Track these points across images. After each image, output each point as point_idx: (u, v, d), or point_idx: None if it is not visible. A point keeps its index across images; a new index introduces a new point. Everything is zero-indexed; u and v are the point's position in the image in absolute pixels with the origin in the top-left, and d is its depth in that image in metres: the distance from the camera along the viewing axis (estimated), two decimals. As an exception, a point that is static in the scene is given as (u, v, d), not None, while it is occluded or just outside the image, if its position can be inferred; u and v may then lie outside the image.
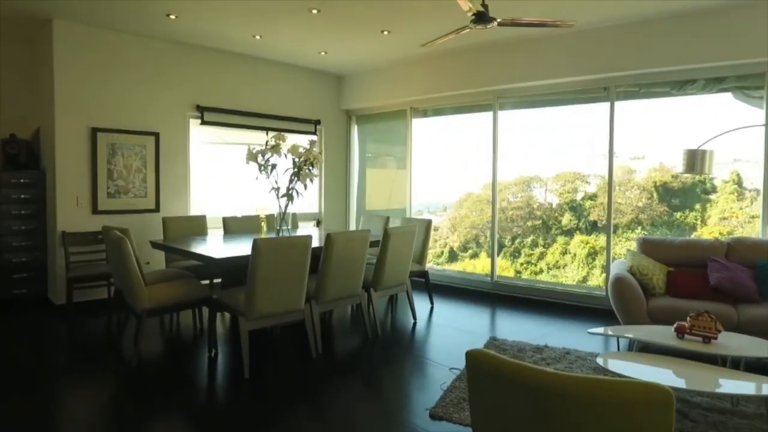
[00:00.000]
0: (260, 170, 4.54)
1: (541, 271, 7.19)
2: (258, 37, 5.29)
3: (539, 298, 5.39)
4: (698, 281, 3.88)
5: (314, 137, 6.81)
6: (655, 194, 7.43)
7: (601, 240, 6.77)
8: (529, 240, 7.03)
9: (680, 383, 2.59)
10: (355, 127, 7.27)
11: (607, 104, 4.99)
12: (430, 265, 6.77)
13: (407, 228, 4.43)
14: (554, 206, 6.97)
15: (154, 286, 3.57)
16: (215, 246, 4.14)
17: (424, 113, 6.51)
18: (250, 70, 6.07)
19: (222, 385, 3.24)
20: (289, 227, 4.64)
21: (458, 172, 6.94)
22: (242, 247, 3.79)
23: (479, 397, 1.49)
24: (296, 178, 4.55)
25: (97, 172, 4.93)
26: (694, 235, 6.82)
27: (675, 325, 3.03)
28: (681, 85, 4.67)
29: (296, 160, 4.57)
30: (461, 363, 3.50)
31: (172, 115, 5.47)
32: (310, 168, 4.56)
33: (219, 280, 4.80)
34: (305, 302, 3.61)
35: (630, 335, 3.13)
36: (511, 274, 7.37)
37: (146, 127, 5.26)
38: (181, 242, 4.25)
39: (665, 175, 7.14)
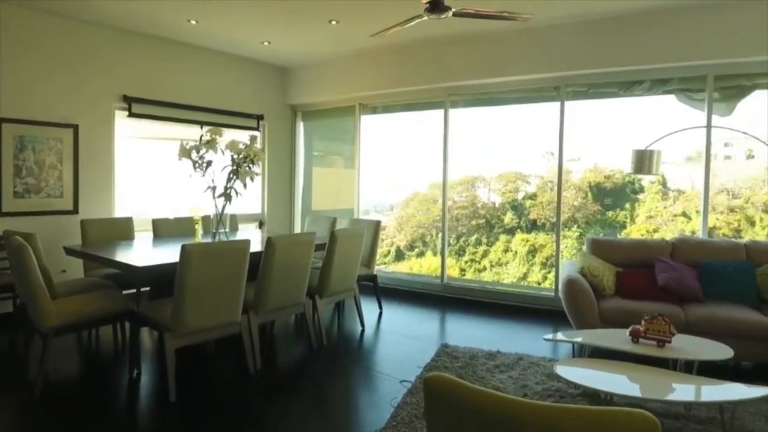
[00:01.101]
0: (194, 168, 4.15)
1: (485, 268, 7.36)
2: (193, 22, 4.86)
3: (489, 300, 5.30)
4: (646, 282, 3.87)
5: (257, 133, 6.41)
6: (589, 194, 7.78)
7: (540, 238, 7.23)
8: (473, 238, 7.20)
9: (635, 390, 2.51)
10: (301, 123, 6.93)
11: (557, 104, 4.95)
12: (378, 267, 6.55)
13: (355, 230, 4.17)
14: (497, 205, 7.17)
15: (65, 300, 3.11)
16: (141, 252, 3.71)
17: (374, 110, 6.28)
18: (185, 59, 5.60)
19: (143, 411, 2.85)
20: (227, 230, 4.26)
21: (407, 171, 6.87)
22: (172, 253, 3.39)
23: (438, 429, 1.26)
24: (235, 177, 4.20)
25: (1, 169, 4.33)
26: (623, 233, 7.17)
27: (630, 329, 2.96)
28: (628, 86, 4.69)
29: (235, 156, 4.22)
30: (412, 374, 3.29)
31: (94, 105, 4.92)
32: (251, 165, 4.21)
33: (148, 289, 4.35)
34: (242, 313, 3.28)
35: (586, 341, 3.03)
36: (456, 272, 7.44)
37: (63, 119, 4.70)
38: (101, 248, 3.77)
39: (599, 175, 7.55)
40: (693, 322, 3.43)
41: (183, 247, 2.83)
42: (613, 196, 7.64)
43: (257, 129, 6.41)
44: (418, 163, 6.61)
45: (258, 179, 6.54)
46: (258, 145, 4.32)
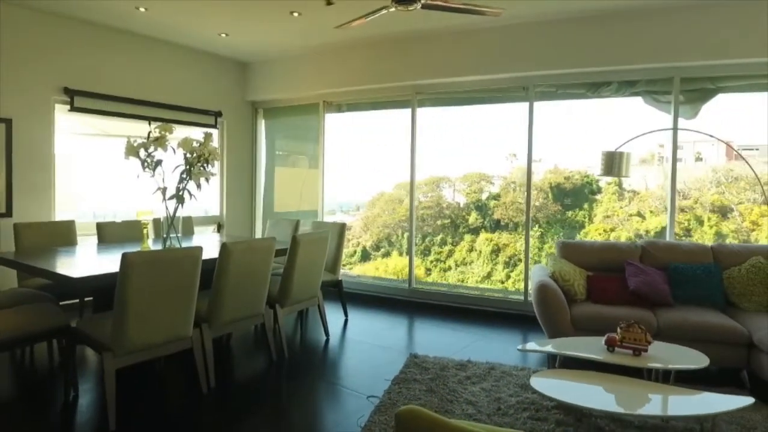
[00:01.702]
0: (143, 167, 3.82)
1: (450, 268, 7.47)
2: (142, 9, 4.49)
3: (457, 305, 5.15)
4: (617, 286, 3.81)
5: (213, 130, 6.07)
6: (550, 194, 7.96)
7: (504, 238, 7.42)
8: (438, 238, 7.27)
9: (611, 404, 2.40)
10: (263, 121, 6.61)
11: (526, 104, 4.86)
12: (343, 270, 6.33)
13: (319, 234, 3.93)
14: (462, 205, 7.26)
15: (-13, 315, 2.74)
16: (82, 260, 3.36)
17: (339, 108, 6.04)
18: (135, 49, 5.21)
19: (79, 442, 2.53)
20: (179, 234, 3.94)
21: (373, 171, 6.73)
22: (116, 261, 3.06)
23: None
24: (188, 177, 3.89)
25: None
26: (582, 233, 7.36)
27: (605, 338, 2.85)
28: (596, 87, 4.65)
29: (188, 155, 3.91)
30: (380, 388, 3.09)
31: (30, 98, 4.49)
32: (205, 165, 3.91)
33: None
34: (194, 327, 2.99)
35: (561, 352, 2.90)
36: (422, 272, 7.44)
37: (-7, 112, 4.26)
38: (36, 255, 3.40)
39: (559, 176, 7.78)
40: (665, 328, 3.37)
41: (124, 256, 2.53)
42: (572, 196, 7.82)
43: (215, 126, 6.06)
44: (384, 162, 6.52)
45: (216, 179, 6.19)
46: (214, 142, 4.01)
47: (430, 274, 7.61)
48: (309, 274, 3.88)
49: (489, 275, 7.41)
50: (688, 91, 4.41)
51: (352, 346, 4.02)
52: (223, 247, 3.09)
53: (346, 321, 4.71)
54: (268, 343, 3.61)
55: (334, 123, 6.12)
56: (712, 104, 4.46)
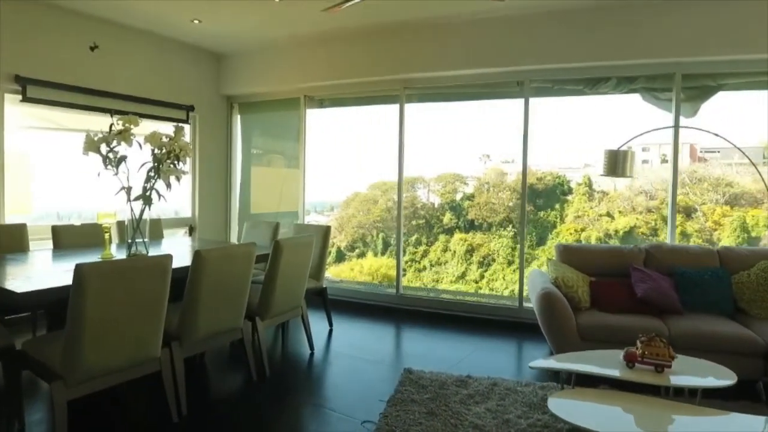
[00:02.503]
0: (105, 164, 3.40)
1: (425, 268, 7.54)
2: (104, -10, 4.06)
3: (447, 312, 4.86)
4: (623, 293, 3.58)
5: (186, 126, 5.64)
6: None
7: (477, 238, 7.54)
8: (413, 238, 7.36)
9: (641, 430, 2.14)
10: (238, 116, 6.20)
11: (520, 101, 4.61)
12: (327, 275, 6.00)
13: (303, 239, 3.58)
14: (436, 206, 7.31)
15: None
16: (31, 270, 2.93)
17: (321, 103, 5.69)
18: (98, 36, 4.74)
19: (21, 489, 2.12)
20: (146, 239, 3.53)
21: (354, 169, 6.47)
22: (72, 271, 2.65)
23: None
24: (156, 176, 3.49)
25: None
26: (554, 233, 7.43)
27: (624, 353, 2.60)
28: (595, 83, 4.44)
29: (157, 152, 3.51)
30: (375, 411, 2.77)
31: (-25, 86, 3.99)
32: (175, 162, 3.52)
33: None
34: (163, 346, 2.61)
35: (577, 368, 2.64)
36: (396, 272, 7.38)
37: (-70, 101, 3.75)
38: (-26, 264, 2.95)
39: (531, 177, 8.31)
40: (677, 338, 3.16)
41: (77, 268, 2.14)
42: (544, 197, 7.95)
43: (187, 121, 5.62)
44: (367, 161, 6.29)
45: (187, 178, 5.76)
46: (186, 137, 3.62)
47: (405, 274, 7.17)
48: (292, 283, 3.53)
49: (463, 275, 7.48)
50: (689, 88, 4.24)
51: (340, 361, 3.69)
52: (197, 256, 2.71)
53: (330, 331, 4.37)
54: (246, 360, 3.24)
55: (316, 119, 5.77)
56: (711, 103, 4.30)
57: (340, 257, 8.04)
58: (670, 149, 4.30)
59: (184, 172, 3.62)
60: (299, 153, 5.71)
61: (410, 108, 5.11)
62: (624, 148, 3.78)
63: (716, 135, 3.94)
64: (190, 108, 5.62)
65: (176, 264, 2.84)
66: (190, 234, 5.75)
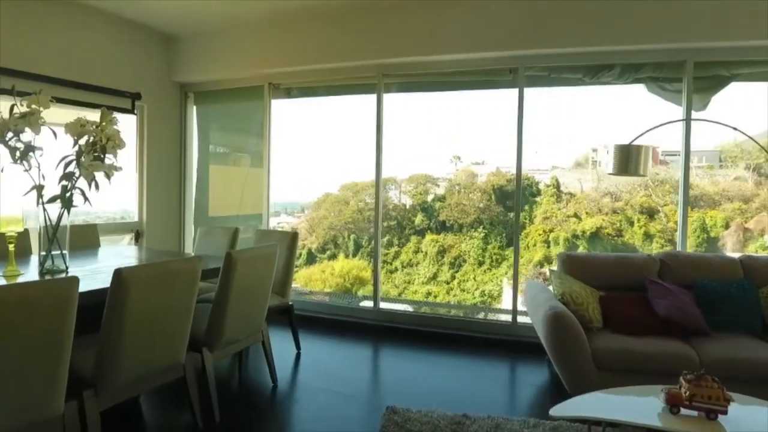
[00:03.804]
0: (14, 158, 2.71)
1: (396, 269, 7.52)
2: (19, -53, 3.32)
3: (431, 329, 4.28)
4: (639, 310, 3.09)
5: (131, 116, 4.90)
6: (492, 196, 8.28)
7: (449, 239, 7.59)
8: (385, 240, 7.25)
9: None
10: (194, 107, 5.49)
11: (512, 91, 4.10)
12: (296, 285, 5.35)
13: (263, 250, 2.94)
14: (408, 207, 7.33)
15: None
16: None
17: (288, 93, 5.04)
18: (19, 5, 3.97)
19: None
20: (65, 251, 2.83)
21: (326, 168, 5.95)
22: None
23: None
24: (78, 172, 2.81)
25: None
26: (523, 234, 7.39)
27: (665, 394, 2.08)
28: (596, 71, 3.95)
29: (81, 143, 2.84)
30: (353, 473, 2.16)
31: None
32: (102, 155, 2.84)
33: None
34: (70, 398, 1.94)
35: (607, 416, 2.09)
36: (368, 273, 7.54)
37: None
38: None
39: (501, 178, 8.20)
40: (710, 367, 2.66)
41: None
42: (513, 198, 8.19)
43: (132, 111, 4.88)
44: (335, 159, 5.80)
45: (130, 177, 5.03)
46: (117, 127, 2.94)
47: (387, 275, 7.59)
48: (250, 304, 2.89)
49: (435, 276, 7.53)
50: (699, 78, 3.80)
51: (309, 397, 3.05)
52: (117, 277, 2.04)
53: (298, 355, 3.74)
54: (190, 402, 2.58)
55: (282, 110, 5.12)
56: (724, 94, 3.89)
57: (311, 259, 7.92)
58: (684, 148, 3.83)
59: (116, 169, 2.94)
60: (263, 149, 5.04)
61: (389, 99, 4.53)
62: (629, 145, 3.31)
63: (735, 129, 3.51)
64: (136, 96, 4.88)
65: (96, 285, 2.20)
66: (137, 241, 5.00)
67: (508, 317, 4.29)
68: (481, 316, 4.61)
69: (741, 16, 3.41)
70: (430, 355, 3.86)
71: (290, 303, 3.72)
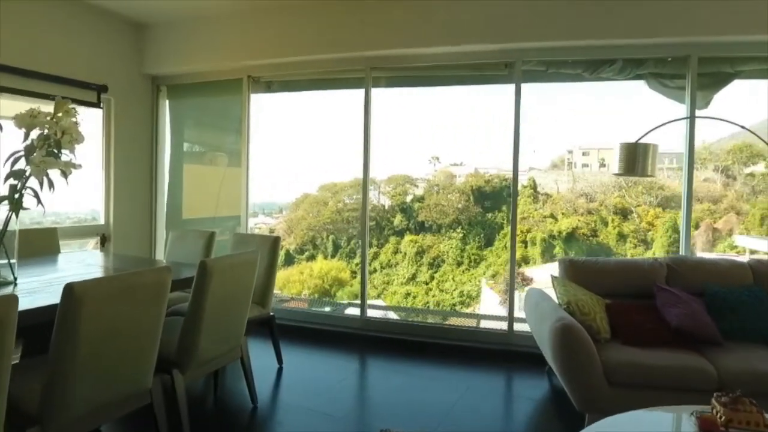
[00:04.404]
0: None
1: (375, 270, 7.51)
2: None
3: (421, 339, 4.02)
4: (648, 319, 2.89)
5: (97, 110, 4.53)
6: (471, 197, 8.38)
7: (428, 239, 7.69)
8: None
9: None
10: (167, 102, 5.12)
11: (508, 87, 3.87)
12: (276, 291, 5.04)
13: (242, 257, 2.64)
14: (386, 208, 7.37)
15: None
16: None
17: (268, 86, 4.72)
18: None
19: None
20: (14, 259, 2.48)
21: (307, 167, 5.73)
22: None
23: None
24: (29, 170, 2.47)
25: None
26: (501, 234, 7.44)
27: (698, 419, 1.86)
28: (596, 66, 3.76)
29: (33, 138, 2.52)
30: None
31: None
32: (57, 151, 2.51)
33: None
34: (7, 439, 1.62)
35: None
36: (347, 275, 7.60)
37: None
38: None
39: (479, 179, 8.30)
40: (728, 380, 2.48)
41: None
42: (491, 199, 8.13)
43: (98, 105, 4.50)
44: (317, 158, 5.61)
45: (94, 175, 4.65)
46: (76, 119, 2.61)
47: (355, 277, 7.34)
48: (227, 318, 2.58)
49: (414, 277, 7.60)
50: (702, 75, 3.64)
51: (293, 419, 2.76)
52: (67, 293, 1.73)
53: (280, 370, 3.44)
54: (159, 431, 2.26)
55: (262, 106, 4.80)
56: (726, 92, 3.74)
57: (289, 260, 7.86)
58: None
59: (74, 166, 2.61)
60: (242, 147, 4.72)
61: (376, 94, 4.26)
62: (637, 142, 3.12)
63: (743, 127, 3.36)
64: (102, 88, 4.50)
65: (46, 300, 1.89)
66: (103, 246, 4.61)
67: (502, 325, 4.07)
68: (473, 323, 4.34)
69: (749, 9, 3.25)
70: (422, 368, 3.61)
71: (271, 314, 3.41)
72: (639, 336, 2.78)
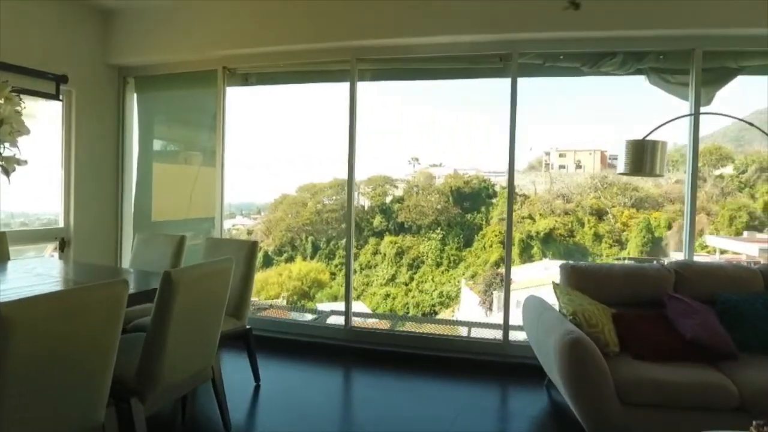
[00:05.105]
0: None
1: (355, 271, 7.00)
2: None
3: (410, 351, 3.74)
4: (659, 330, 2.68)
5: (56, 103, 4.14)
6: (450, 198, 8.50)
7: (407, 240, 7.73)
8: (343, 242, 6.82)
9: None
10: (134, 95, 4.74)
11: (504, 81, 3.64)
12: (253, 299, 4.71)
13: (214, 267, 2.32)
14: (366, 208, 7.42)
15: None
16: None
17: (245, 79, 4.40)
18: None
19: None
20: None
21: (287, 166, 5.41)
22: None
23: None
24: (-39, 165, 2.12)
25: None
26: (480, 234, 7.45)
27: (739, 453, 1.64)
28: (597, 59, 3.56)
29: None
30: None
31: None
32: (-4, 143, 2.17)
33: None
34: None
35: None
36: (326, 275, 7.62)
37: None
38: None
39: (458, 180, 8.37)
40: (751, 398, 2.28)
41: None
42: (471, 199, 8.23)
43: (56, 97, 4.11)
44: (298, 155, 5.30)
45: (51, 173, 4.25)
46: (21, 108, 2.27)
47: (335, 278, 7.43)
48: (196, 336, 2.26)
49: (393, 278, 7.65)
50: (705, 70, 3.46)
51: (272, 447, 2.46)
52: (-8, 315, 1.40)
53: (257, 389, 3.12)
54: (115, 470, 1.93)
55: (239, 100, 4.47)
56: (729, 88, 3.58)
57: (268, 262, 7.79)
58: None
59: (17, 162, 2.28)
60: (216, 144, 4.37)
61: (363, 89, 3.97)
62: (645, 139, 2.91)
63: (751, 125, 3.18)
64: (62, 79, 4.10)
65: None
66: (62, 251, 4.22)
67: (497, 333, 3.84)
68: (464, 332, 4.10)
69: (758, 1, 3.08)
70: (413, 383, 3.34)
71: (248, 327, 3.09)
72: (651, 349, 2.56)
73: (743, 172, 11.66)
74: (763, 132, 2.97)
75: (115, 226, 4.65)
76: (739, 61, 3.47)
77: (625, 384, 2.35)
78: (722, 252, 10.33)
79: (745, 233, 10.95)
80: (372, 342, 3.89)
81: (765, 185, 11.48)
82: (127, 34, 4.40)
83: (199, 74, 4.39)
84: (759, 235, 10.85)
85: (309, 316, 5.01)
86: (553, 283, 3.02)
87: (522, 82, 3.57)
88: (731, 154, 11.72)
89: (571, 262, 3.13)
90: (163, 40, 4.29)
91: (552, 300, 3.02)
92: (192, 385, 2.39)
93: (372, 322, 4.31)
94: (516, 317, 3.60)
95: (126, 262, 4.53)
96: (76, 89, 4.28)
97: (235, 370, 3.23)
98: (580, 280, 3.03)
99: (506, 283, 3.76)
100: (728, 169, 11.79)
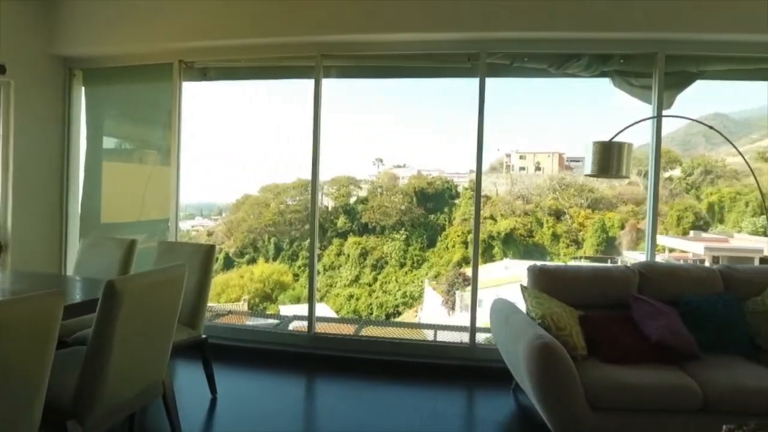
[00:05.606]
0: None
1: (319, 272, 7.07)
2: None
3: (375, 357, 3.64)
4: (625, 332, 2.67)
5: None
6: (414, 198, 8.57)
7: (371, 241, 7.62)
8: (306, 242, 6.78)
9: None
10: (82, 89, 4.44)
11: (472, 81, 3.59)
12: (211, 304, 4.50)
13: (165, 275, 2.14)
14: (330, 209, 7.39)
15: None
16: None
17: (204, 74, 4.18)
18: None
19: None
20: None
21: (247, 166, 5.22)
22: None
23: None
24: None
25: None
26: (443, 235, 7.63)
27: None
28: (564, 60, 3.55)
29: None
30: None
31: None
32: None
33: None
34: None
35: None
36: (289, 277, 7.53)
37: None
38: None
39: (422, 181, 8.48)
40: (714, 400, 2.30)
41: None
42: (434, 200, 8.22)
43: (-8, 88, 3.78)
44: (258, 156, 5.14)
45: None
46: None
47: (298, 280, 7.33)
48: (144, 350, 2.08)
49: (357, 278, 7.62)
50: (667, 74, 3.52)
51: (229, 466, 2.30)
52: None
53: (214, 402, 2.94)
54: (49, 502, 1.73)
55: (196, 96, 4.25)
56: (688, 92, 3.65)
57: (229, 264, 7.69)
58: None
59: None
60: (172, 142, 4.14)
61: (328, 86, 3.84)
62: (605, 143, 2.91)
63: (710, 127, 3.27)
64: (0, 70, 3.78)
65: None
66: (-1, 256, 3.89)
67: (464, 336, 3.78)
68: (431, 335, 4.03)
69: (720, 7, 3.15)
70: (379, 390, 3.24)
71: (203, 336, 2.90)
72: (618, 352, 2.55)
73: (690, 174, 12.20)
74: (724, 136, 3.03)
75: (59, 229, 4.33)
76: (700, 66, 3.54)
77: (593, 388, 2.32)
78: (671, 250, 10.78)
79: (692, 233, 11.47)
80: (336, 348, 3.76)
81: (709, 187, 12.04)
82: (75, 22, 4.10)
83: (154, 67, 4.15)
84: (704, 235, 11.39)
85: (272, 321, 4.83)
86: (521, 285, 2.98)
87: (489, 82, 3.53)
88: (679, 158, 12.23)
89: (539, 263, 3.11)
90: (114, 30, 4.01)
91: (516, 300, 3.00)
92: (140, 403, 2.20)
93: (336, 326, 4.19)
94: (482, 317, 3.57)
95: (70, 269, 4.22)
96: (16, 80, 3.95)
97: (189, 382, 3.04)
98: (548, 281, 3.00)
99: (473, 286, 3.71)
100: (676, 172, 12.32)
